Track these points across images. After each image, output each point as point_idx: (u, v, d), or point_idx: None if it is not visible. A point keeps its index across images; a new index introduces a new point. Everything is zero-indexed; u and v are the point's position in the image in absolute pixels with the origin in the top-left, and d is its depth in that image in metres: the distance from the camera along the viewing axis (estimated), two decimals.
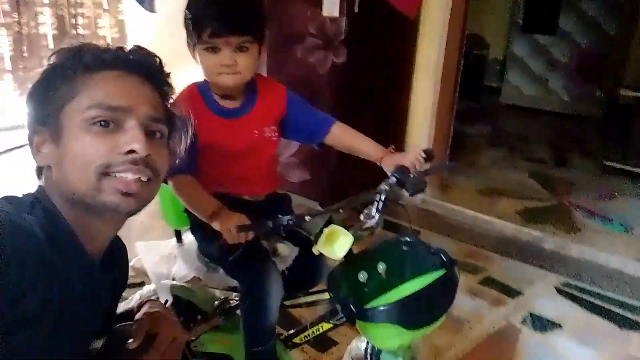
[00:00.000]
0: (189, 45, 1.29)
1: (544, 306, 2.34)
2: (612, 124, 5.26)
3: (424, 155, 1.30)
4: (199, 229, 1.39)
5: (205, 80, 1.34)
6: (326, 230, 1.11)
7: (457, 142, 3.65)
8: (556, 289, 2.49)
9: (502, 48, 6.43)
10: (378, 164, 1.37)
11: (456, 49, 3.11)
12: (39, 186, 0.82)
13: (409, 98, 3.16)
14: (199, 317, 1.48)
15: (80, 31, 4.22)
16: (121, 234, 0.91)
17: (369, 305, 1.15)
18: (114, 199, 0.78)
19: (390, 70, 2.94)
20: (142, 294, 1.48)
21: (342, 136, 1.44)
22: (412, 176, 1.25)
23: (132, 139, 0.78)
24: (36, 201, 0.78)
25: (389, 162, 1.32)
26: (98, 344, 0.85)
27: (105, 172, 0.77)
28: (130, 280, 1.02)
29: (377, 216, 1.19)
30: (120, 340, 0.87)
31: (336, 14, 2.48)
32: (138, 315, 0.94)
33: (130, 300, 1.06)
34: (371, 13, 2.56)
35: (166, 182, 1.30)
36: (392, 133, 3.06)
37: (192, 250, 1.49)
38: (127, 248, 0.98)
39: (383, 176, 1.32)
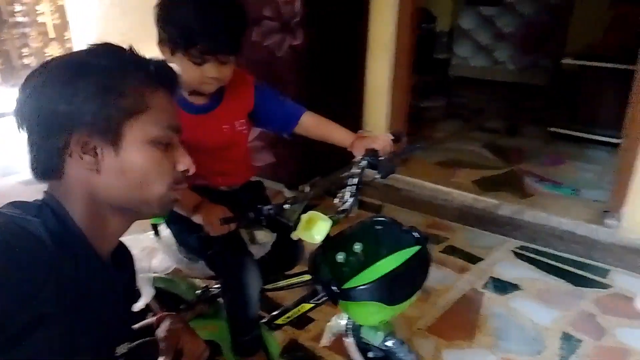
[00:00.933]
0: (160, 43, 1.26)
1: (504, 270, 2.47)
2: (557, 91, 5.49)
3: (393, 138, 1.35)
4: (177, 221, 1.40)
5: None
6: (305, 216, 1.15)
7: (413, 116, 3.74)
8: (514, 253, 2.64)
9: (449, 21, 6.54)
10: (349, 150, 1.41)
11: (408, 25, 3.15)
12: (45, 192, 0.81)
13: (365, 76, 3.21)
14: (182, 306, 1.51)
15: (20, 19, 4.04)
16: None
17: (348, 284, 1.20)
18: (170, 206, 0.89)
19: (347, 49, 2.97)
20: None
21: (312, 125, 1.46)
22: (382, 159, 1.30)
23: (184, 158, 0.88)
24: (44, 205, 0.78)
25: (359, 146, 1.36)
26: (123, 349, 0.86)
27: (169, 188, 0.85)
28: None
29: (351, 199, 1.24)
30: (145, 356, 0.89)
31: None
32: (160, 332, 0.96)
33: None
34: None
35: None
36: (350, 111, 3.10)
37: (171, 243, 1.50)
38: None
39: (348, 157, 1.37)
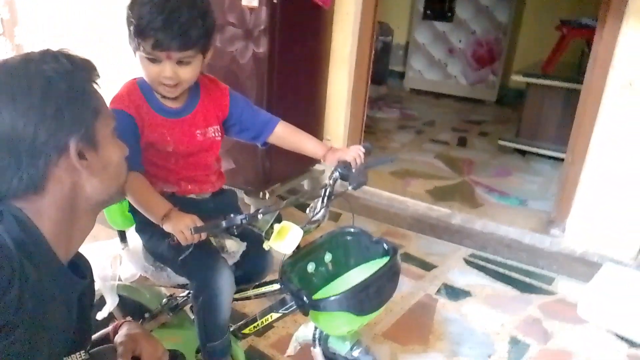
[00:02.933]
0: (130, 43, 1.26)
1: (456, 277, 2.57)
2: (505, 106, 5.74)
3: (364, 151, 1.39)
4: (146, 228, 1.39)
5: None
6: (277, 226, 1.17)
7: (368, 126, 3.82)
8: (465, 260, 2.75)
9: (405, 34, 6.72)
10: (321, 161, 1.44)
11: (368, 38, 3.24)
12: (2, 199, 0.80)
13: (327, 85, 3.26)
14: (146, 315, 1.49)
15: None
16: None
17: (318, 295, 1.23)
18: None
19: (310, 58, 3.02)
20: None
21: (286, 136, 1.48)
22: (354, 170, 1.34)
23: (122, 143, 0.93)
24: (5, 212, 0.77)
25: (331, 158, 1.40)
26: (79, 357, 0.85)
27: None
28: None
29: (322, 210, 1.27)
30: None
31: (255, 3, 2.50)
32: (118, 337, 0.96)
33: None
34: (290, 3, 2.61)
35: None
36: (312, 120, 3.14)
37: (137, 250, 1.48)
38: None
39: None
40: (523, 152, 4.25)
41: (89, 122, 0.81)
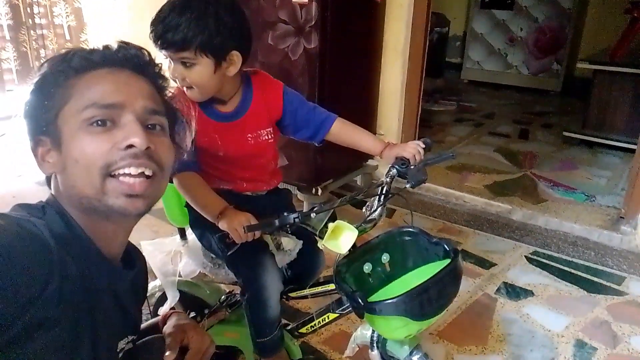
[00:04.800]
0: None
1: (516, 275, 2.46)
2: (570, 96, 5.46)
3: (423, 146, 1.33)
4: (198, 224, 1.40)
5: None
6: (331, 226, 1.13)
7: (424, 120, 3.73)
8: (526, 258, 2.62)
9: (462, 24, 6.53)
10: (379, 157, 1.40)
11: (422, 29, 3.15)
12: (50, 194, 0.83)
13: (380, 79, 3.21)
14: (206, 311, 1.50)
15: (37, 20, 4.09)
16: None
17: (374, 297, 1.18)
18: (120, 202, 0.78)
19: (362, 53, 2.98)
20: (149, 290, 1.50)
21: (343, 132, 1.44)
22: (412, 167, 1.27)
23: (130, 133, 0.78)
24: (47, 206, 0.79)
25: (389, 154, 1.35)
26: (125, 343, 0.87)
27: (109, 173, 0.77)
28: None
29: (379, 209, 1.22)
30: (151, 352, 0.89)
31: (306, 0, 2.49)
32: (167, 328, 0.96)
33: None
34: None
35: (171, 181, 1.31)
36: (364, 115, 3.11)
37: (197, 247, 1.50)
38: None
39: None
40: (590, 144, 4.03)
41: (50, 119, 0.80)
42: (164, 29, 1.18)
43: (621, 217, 2.78)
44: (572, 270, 2.52)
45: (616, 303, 2.28)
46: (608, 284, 2.42)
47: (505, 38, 5.97)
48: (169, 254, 1.53)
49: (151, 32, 1.21)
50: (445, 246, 1.19)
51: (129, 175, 0.78)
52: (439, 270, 1.11)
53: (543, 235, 2.80)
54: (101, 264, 0.81)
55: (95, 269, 0.79)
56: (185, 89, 1.26)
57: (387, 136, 3.24)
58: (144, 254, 1.40)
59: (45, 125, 0.80)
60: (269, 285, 1.34)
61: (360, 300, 1.08)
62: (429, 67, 3.36)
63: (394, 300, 1.06)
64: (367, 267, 1.21)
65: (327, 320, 1.36)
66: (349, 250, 1.16)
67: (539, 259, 2.62)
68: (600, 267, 2.54)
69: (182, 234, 1.57)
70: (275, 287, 1.35)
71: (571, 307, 2.24)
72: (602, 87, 3.91)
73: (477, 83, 6.20)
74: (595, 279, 2.45)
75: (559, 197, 3.22)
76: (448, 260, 1.15)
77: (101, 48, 0.85)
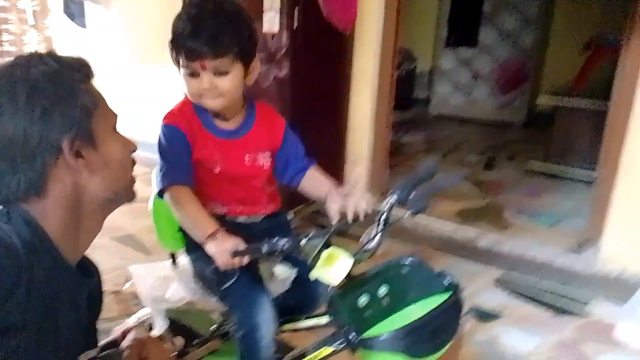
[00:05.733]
0: (173, 62, 1.25)
1: (485, 298, 2.49)
2: (533, 128, 5.66)
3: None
4: (194, 250, 1.34)
5: None
6: (325, 253, 1.06)
7: (394, 150, 3.81)
8: (495, 281, 2.66)
9: (429, 61, 6.76)
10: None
11: (390, 62, 3.25)
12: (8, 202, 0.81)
13: (349, 108, 3.28)
14: (195, 340, 1.45)
15: (6, 48, 4.06)
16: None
17: (370, 332, 1.10)
18: (135, 188, 0.94)
19: (331, 82, 3.05)
20: (138, 318, 1.44)
21: (309, 184, 1.39)
22: (414, 194, 1.17)
23: (128, 140, 0.92)
24: (12, 211, 0.78)
25: (333, 203, 1.24)
26: (86, 357, 0.85)
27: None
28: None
29: (377, 237, 1.15)
30: None
31: (276, 29, 2.56)
32: (126, 342, 0.95)
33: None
34: (310, 28, 2.66)
35: (161, 196, 1.27)
36: (334, 143, 3.16)
37: (188, 272, 1.44)
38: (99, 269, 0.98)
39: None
40: (553, 174, 4.16)
41: (82, 120, 0.81)
42: (199, 37, 1.16)
43: (584, 242, 2.85)
44: (539, 293, 2.56)
45: (582, 324, 2.32)
46: (573, 306, 2.46)
47: (470, 74, 6.19)
48: (159, 279, 1.45)
49: (180, 43, 1.18)
50: (447, 279, 1.13)
51: None
52: (438, 304, 1.04)
53: (510, 259, 2.85)
54: (64, 272, 0.81)
55: (59, 277, 0.78)
56: (208, 100, 1.24)
57: (359, 162, 3.29)
58: (133, 279, 1.36)
59: (77, 125, 0.81)
60: (264, 325, 1.26)
61: (352, 335, 1.03)
62: (397, 101, 3.46)
63: (389, 335, 0.99)
64: (363, 299, 1.14)
65: (321, 356, 1.22)
66: (344, 280, 1.08)
67: (506, 282, 2.66)
68: (566, 290, 2.59)
69: (174, 258, 1.49)
70: (270, 328, 1.27)
71: (539, 329, 2.27)
72: (563, 119, 4.08)
73: (444, 117, 6.37)
74: (561, 302, 2.50)
75: (525, 223, 3.29)
76: (449, 294, 1.09)
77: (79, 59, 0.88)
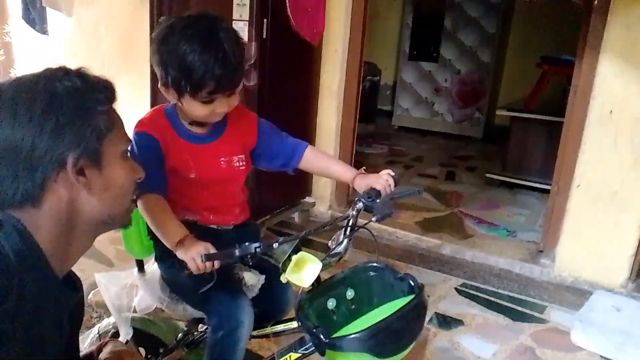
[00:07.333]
0: (164, 86, 1.25)
1: (447, 306, 2.56)
2: (490, 142, 5.85)
3: (396, 178, 1.32)
4: (166, 257, 1.33)
5: (173, 104, 1.31)
6: (294, 258, 1.09)
7: (357, 161, 3.87)
8: (456, 289, 2.74)
9: (393, 74, 6.89)
10: (350, 185, 1.40)
11: (355, 75, 3.33)
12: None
13: (317, 119, 3.33)
14: (161, 350, 1.44)
15: None
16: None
17: (338, 334, 1.13)
18: (130, 215, 0.95)
19: (299, 92, 3.09)
20: (100, 328, 1.42)
21: (315, 160, 1.44)
22: (378, 201, 1.25)
23: (137, 167, 0.94)
24: (4, 221, 0.78)
25: (360, 184, 1.34)
26: None
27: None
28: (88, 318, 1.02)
29: (345, 242, 1.20)
30: None
31: (245, 40, 2.57)
32: (103, 355, 0.95)
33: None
34: (279, 40, 2.69)
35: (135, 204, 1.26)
36: None
37: (154, 281, 1.43)
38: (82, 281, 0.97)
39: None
40: (510, 185, 4.31)
41: (92, 140, 0.81)
42: (227, 72, 1.17)
43: (540, 251, 2.98)
44: (498, 301, 2.65)
45: (539, 330, 2.42)
46: (531, 312, 2.56)
47: (431, 88, 6.34)
48: (124, 288, 1.45)
49: (210, 79, 1.16)
50: (411, 282, 1.17)
51: None
52: (402, 305, 1.09)
53: (470, 268, 2.95)
54: (52, 284, 0.81)
55: (47, 288, 0.78)
56: (217, 117, 1.27)
57: None
58: (99, 287, 1.34)
59: (86, 143, 0.81)
60: (244, 325, 1.27)
61: (321, 336, 1.05)
62: (362, 113, 3.52)
63: (357, 335, 1.03)
64: (331, 303, 1.17)
65: None
66: (313, 285, 1.12)
67: (467, 290, 2.74)
68: (523, 297, 2.69)
69: (140, 266, 1.48)
70: (248, 329, 1.29)
71: (498, 335, 2.35)
72: (519, 133, 4.24)
73: (406, 129, 6.50)
74: (519, 308, 2.59)
75: (484, 233, 3.40)
76: (413, 296, 1.13)
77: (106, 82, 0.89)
